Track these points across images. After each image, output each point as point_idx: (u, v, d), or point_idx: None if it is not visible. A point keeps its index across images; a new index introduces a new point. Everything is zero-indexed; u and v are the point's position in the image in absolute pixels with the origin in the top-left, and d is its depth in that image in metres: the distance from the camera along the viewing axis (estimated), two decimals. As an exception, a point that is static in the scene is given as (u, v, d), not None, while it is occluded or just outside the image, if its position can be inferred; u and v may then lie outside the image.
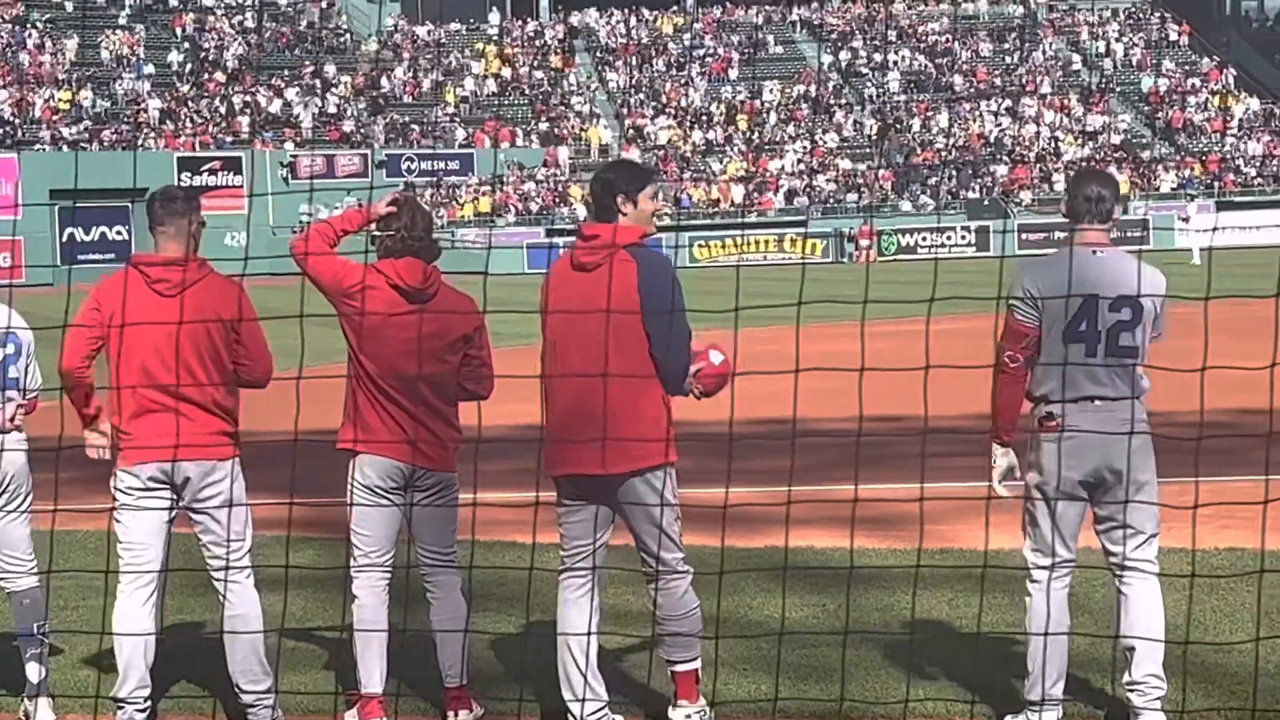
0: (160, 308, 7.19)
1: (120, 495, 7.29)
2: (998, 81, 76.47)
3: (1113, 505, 6.96)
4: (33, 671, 7.67)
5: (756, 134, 72.86)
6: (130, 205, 60.20)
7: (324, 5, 79.46)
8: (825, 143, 72.03)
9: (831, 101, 75.07)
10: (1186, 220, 57.14)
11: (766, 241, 65.27)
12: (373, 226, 7.44)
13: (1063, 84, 76.48)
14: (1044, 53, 79.13)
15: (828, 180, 69.49)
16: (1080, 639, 7.37)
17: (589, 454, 6.95)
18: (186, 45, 74.78)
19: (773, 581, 9.45)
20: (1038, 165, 70.48)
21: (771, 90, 75.57)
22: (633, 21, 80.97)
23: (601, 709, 7.11)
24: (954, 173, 70.21)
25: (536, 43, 79.78)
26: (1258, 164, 70.52)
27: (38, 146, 66.04)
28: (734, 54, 78.93)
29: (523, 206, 68.16)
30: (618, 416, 6.88)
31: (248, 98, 71.39)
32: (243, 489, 7.36)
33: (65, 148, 65.81)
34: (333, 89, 73.65)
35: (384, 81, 74.75)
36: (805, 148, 71.82)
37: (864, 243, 63.11)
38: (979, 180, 69.93)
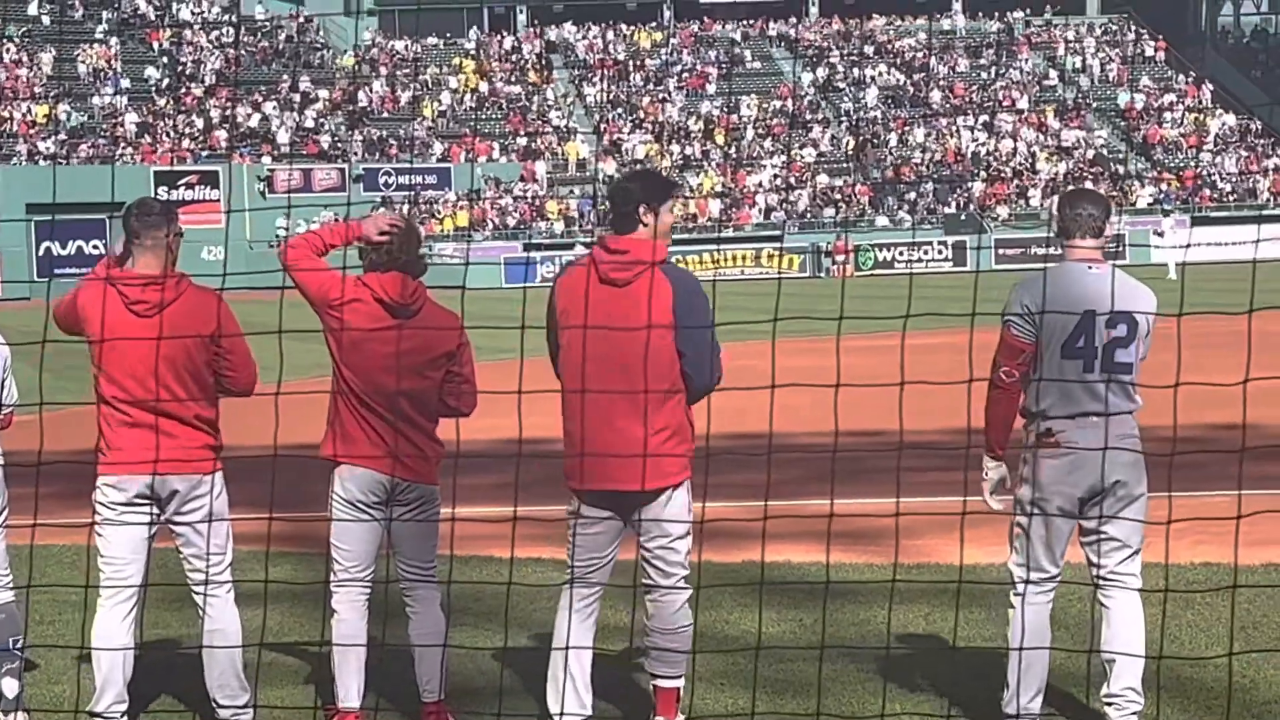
0: (138, 329, 7.11)
1: (102, 509, 7.23)
2: (974, 97, 76.66)
3: (1102, 518, 6.98)
4: (9, 687, 7.64)
5: (734, 149, 72.93)
6: (107, 219, 59.94)
7: (301, 20, 79.43)
8: (802, 158, 72.11)
9: (809, 117, 75.19)
10: (1161, 235, 57.27)
11: (743, 256, 65.33)
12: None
13: (1039, 99, 76.70)
14: (1020, 68, 79.36)
15: (804, 194, 69.58)
16: (1058, 653, 7.39)
17: (621, 470, 6.93)
18: (164, 59, 74.66)
19: (749, 596, 9.47)
20: (1014, 180, 70.65)
21: (749, 105, 75.65)
22: (610, 36, 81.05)
23: (584, 722, 7.12)
24: (931, 188, 70.35)
25: (514, 57, 79.81)
26: (1233, 180, 70.78)
27: (14, 160, 65.91)
28: (711, 69, 79.04)
29: (500, 221, 68.16)
30: (654, 433, 6.91)
31: (225, 112, 71.30)
32: (225, 503, 7.35)
33: (42, 161, 65.69)
34: (310, 103, 73.60)
35: (361, 96, 74.70)
36: (782, 163, 71.95)
37: (840, 258, 63.19)
38: (956, 195, 70.08)
